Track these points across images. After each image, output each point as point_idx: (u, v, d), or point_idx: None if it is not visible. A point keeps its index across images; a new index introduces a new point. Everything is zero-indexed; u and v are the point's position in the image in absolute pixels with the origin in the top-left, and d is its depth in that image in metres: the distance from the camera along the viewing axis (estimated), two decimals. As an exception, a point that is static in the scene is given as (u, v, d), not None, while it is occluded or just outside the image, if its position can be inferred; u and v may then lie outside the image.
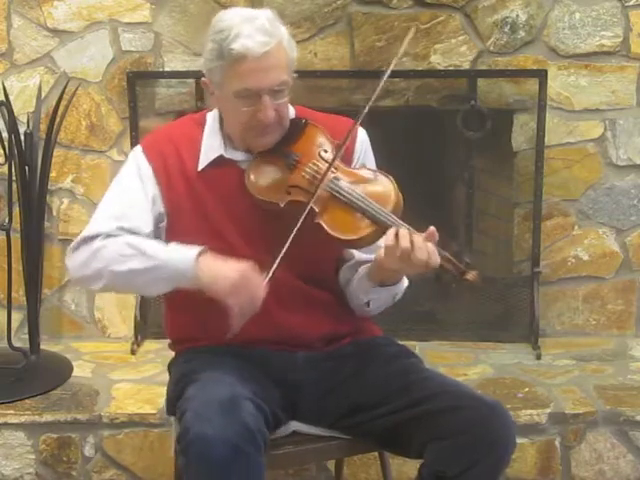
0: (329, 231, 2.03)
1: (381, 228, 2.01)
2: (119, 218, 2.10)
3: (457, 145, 3.35)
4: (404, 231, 1.97)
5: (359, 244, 2.07)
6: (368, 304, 2.17)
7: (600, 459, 2.84)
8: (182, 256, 2.01)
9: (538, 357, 3.19)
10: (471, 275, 1.99)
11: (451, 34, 3.20)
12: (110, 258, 2.05)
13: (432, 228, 1.98)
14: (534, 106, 3.19)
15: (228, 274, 1.96)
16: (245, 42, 1.98)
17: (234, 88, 2.03)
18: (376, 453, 2.34)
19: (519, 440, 2.47)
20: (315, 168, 2.08)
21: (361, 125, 2.17)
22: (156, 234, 2.15)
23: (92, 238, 2.08)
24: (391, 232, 1.98)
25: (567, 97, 3.24)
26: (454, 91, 3.24)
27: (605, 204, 3.31)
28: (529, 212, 3.28)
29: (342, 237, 2.04)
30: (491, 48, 3.22)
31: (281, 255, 1.99)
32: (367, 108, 2.08)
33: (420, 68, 3.21)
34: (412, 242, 1.95)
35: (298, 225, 2.01)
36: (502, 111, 3.25)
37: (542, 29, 3.20)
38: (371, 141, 2.25)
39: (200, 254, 2.00)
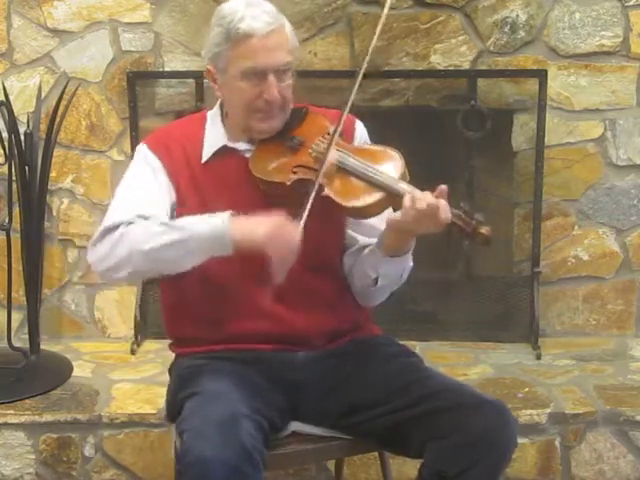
0: (338, 201, 2.03)
1: (390, 195, 2.01)
2: (137, 208, 2.08)
3: (457, 145, 3.35)
4: (419, 194, 1.98)
5: (369, 212, 2.07)
6: (376, 281, 2.14)
7: (600, 459, 2.84)
8: (213, 222, 1.99)
9: (538, 357, 3.18)
10: (485, 229, 1.97)
11: (451, 34, 3.20)
12: (137, 239, 2.02)
13: (442, 186, 1.99)
14: (534, 106, 3.18)
15: (261, 226, 1.96)
16: (251, 22, 2.03)
17: (240, 68, 2.05)
18: (376, 453, 2.33)
19: (519, 440, 2.46)
20: (322, 145, 2.10)
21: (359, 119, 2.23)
22: None
23: (114, 228, 2.05)
24: (407, 198, 1.97)
25: (567, 97, 3.24)
26: (454, 91, 3.24)
27: (605, 204, 3.31)
28: (529, 212, 3.28)
29: (351, 205, 2.04)
30: (491, 48, 3.21)
31: (310, 201, 1.99)
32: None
33: (420, 68, 3.21)
34: (428, 204, 1.95)
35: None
36: (502, 111, 3.25)
37: (542, 29, 3.20)
38: (371, 141, 2.26)
39: (231, 215, 2.00)
